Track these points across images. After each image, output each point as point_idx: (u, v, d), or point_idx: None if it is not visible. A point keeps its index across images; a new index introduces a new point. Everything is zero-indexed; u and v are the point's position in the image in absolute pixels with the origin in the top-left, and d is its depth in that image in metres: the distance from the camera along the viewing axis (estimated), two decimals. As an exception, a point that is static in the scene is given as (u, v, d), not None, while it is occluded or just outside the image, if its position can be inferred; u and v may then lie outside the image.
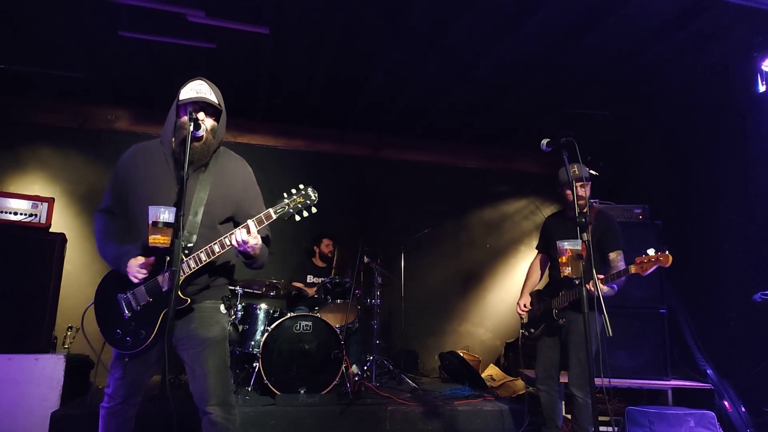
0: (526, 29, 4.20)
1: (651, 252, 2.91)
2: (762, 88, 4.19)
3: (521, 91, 5.36)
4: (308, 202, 2.31)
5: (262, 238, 2.40)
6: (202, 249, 2.28)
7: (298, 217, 2.32)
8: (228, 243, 2.27)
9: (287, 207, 2.30)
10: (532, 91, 5.35)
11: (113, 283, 2.36)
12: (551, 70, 4.87)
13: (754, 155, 4.63)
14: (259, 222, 2.28)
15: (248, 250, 2.27)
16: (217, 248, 2.28)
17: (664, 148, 5.98)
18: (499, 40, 4.39)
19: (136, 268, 2.25)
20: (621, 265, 3.36)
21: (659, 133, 6.01)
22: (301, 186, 2.33)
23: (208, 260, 2.29)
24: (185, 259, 2.25)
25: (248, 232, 2.23)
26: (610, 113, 5.76)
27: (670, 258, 2.85)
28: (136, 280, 2.27)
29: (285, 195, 2.32)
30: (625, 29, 4.15)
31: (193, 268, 2.27)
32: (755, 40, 4.11)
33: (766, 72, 4.16)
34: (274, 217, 2.29)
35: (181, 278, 2.24)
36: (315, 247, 5.88)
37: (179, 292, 2.21)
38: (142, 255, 2.30)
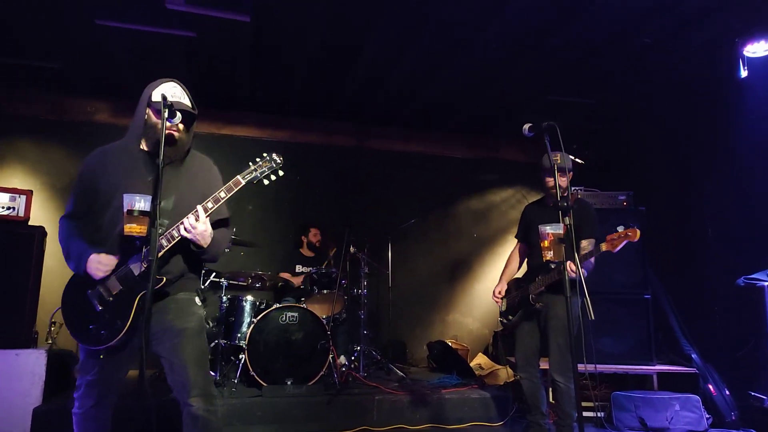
0: (507, 17, 4.16)
1: (620, 229, 2.93)
2: (744, 74, 4.21)
3: (506, 80, 5.33)
4: (273, 165, 2.40)
5: (221, 219, 2.43)
6: (164, 235, 2.26)
7: (266, 181, 2.41)
8: (177, 234, 2.25)
9: (254, 172, 2.38)
10: (517, 80, 5.33)
11: (80, 283, 2.29)
12: (535, 59, 4.84)
13: (738, 140, 4.66)
14: (228, 189, 2.32)
15: (196, 237, 2.24)
16: (175, 233, 2.26)
17: (649, 135, 6.01)
18: (484, 24, 4.35)
19: (97, 263, 2.21)
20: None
21: (644, 120, 6.04)
22: (265, 153, 2.42)
23: (168, 245, 2.26)
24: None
25: (197, 218, 2.23)
26: (595, 101, 5.76)
27: (638, 232, 2.86)
28: (98, 276, 2.22)
29: (251, 162, 2.40)
30: (608, 16, 4.12)
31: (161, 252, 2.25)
32: (736, 25, 4.12)
33: (747, 57, 4.17)
34: (243, 182, 2.36)
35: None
36: (302, 237, 5.83)
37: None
38: (110, 251, 2.27)
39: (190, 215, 2.24)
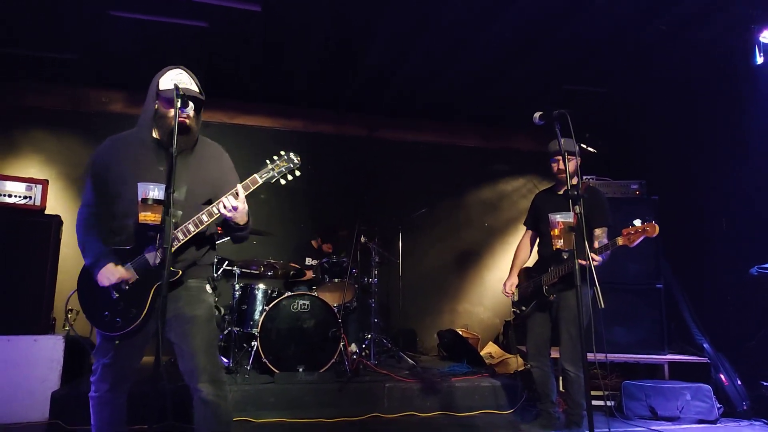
0: (521, 4, 4.13)
1: (637, 223, 2.91)
2: (760, 60, 4.14)
3: (517, 69, 5.30)
4: (291, 165, 2.40)
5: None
6: (190, 220, 2.30)
7: (283, 181, 2.41)
8: (216, 211, 2.29)
9: (272, 171, 2.38)
10: (529, 69, 5.28)
11: None
12: (548, 47, 4.80)
13: (752, 129, 4.60)
14: (246, 187, 2.33)
15: (237, 216, 2.29)
16: (204, 218, 2.30)
17: (662, 124, 5.94)
18: (493, 16, 4.33)
19: (109, 274, 2.24)
20: (604, 240, 3.37)
21: (657, 109, 5.97)
22: (283, 152, 2.41)
23: (196, 230, 2.30)
24: (173, 232, 2.26)
25: (236, 197, 2.27)
26: (608, 90, 5.70)
27: (657, 228, 2.84)
28: (104, 285, 2.24)
29: (268, 161, 2.40)
30: (621, 4, 4.08)
31: (182, 240, 2.29)
32: (753, 12, 4.05)
33: (764, 44, 4.10)
34: (260, 181, 2.36)
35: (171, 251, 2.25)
36: (319, 239, 5.87)
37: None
38: (126, 240, 2.31)
39: (228, 195, 2.27)
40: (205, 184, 2.43)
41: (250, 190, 2.34)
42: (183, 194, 2.35)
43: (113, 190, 2.35)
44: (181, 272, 2.30)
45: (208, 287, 2.48)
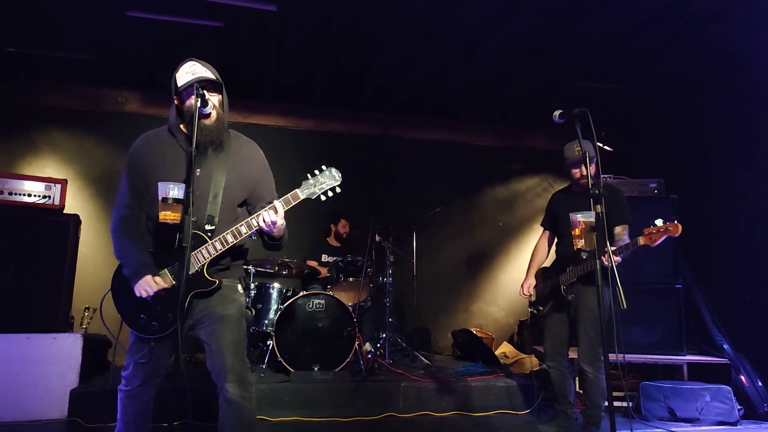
0: (535, 3, 4.09)
1: (659, 222, 2.85)
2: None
3: (532, 67, 5.25)
4: (333, 182, 2.36)
5: None
6: (228, 231, 2.30)
7: (323, 198, 2.36)
8: (255, 224, 2.29)
9: (313, 187, 2.34)
10: (543, 67, 5.24)
11: None
12: (562, 45, 4.76)
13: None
14: (287, 203, 2.32)
15: (275, 231, 2.30)
16: (243, 229, 2.30)
17: (680, 122, 5.85)
18: (507, 14, 4.29)
19: (146, 286, 2.23)
20: (625, 239, 3.32)
21: (674, 107, 5.88)
22: (324, 167, 2.37)
23: (235, 242, 2.31)
24: (210, 242, 2.28)
25: (276, 212, 2.26)
26: (624, 87, 5.64)
27: (680, 227, 2.78)
28: (141, 296, 2.24)
29: (309, 176, 2.36)
30: (637, 1, 4.04)
31: (220, 250, 2.29)
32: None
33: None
34: (302, 197, 2.33)
35: (208, 260, 2.29)
36: (332, 226, 5.88)
37: (206, 274, 2.28)
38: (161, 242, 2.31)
39: (268, 210, 2.27)
40: (242, 185, 2.42)
41: (291, 206, 2.32)
42: (219, 198, 2.33)
43: (147, 188, 2.33)
44: (218, 281, 2.31)
45: (239, 287, 2.47)
